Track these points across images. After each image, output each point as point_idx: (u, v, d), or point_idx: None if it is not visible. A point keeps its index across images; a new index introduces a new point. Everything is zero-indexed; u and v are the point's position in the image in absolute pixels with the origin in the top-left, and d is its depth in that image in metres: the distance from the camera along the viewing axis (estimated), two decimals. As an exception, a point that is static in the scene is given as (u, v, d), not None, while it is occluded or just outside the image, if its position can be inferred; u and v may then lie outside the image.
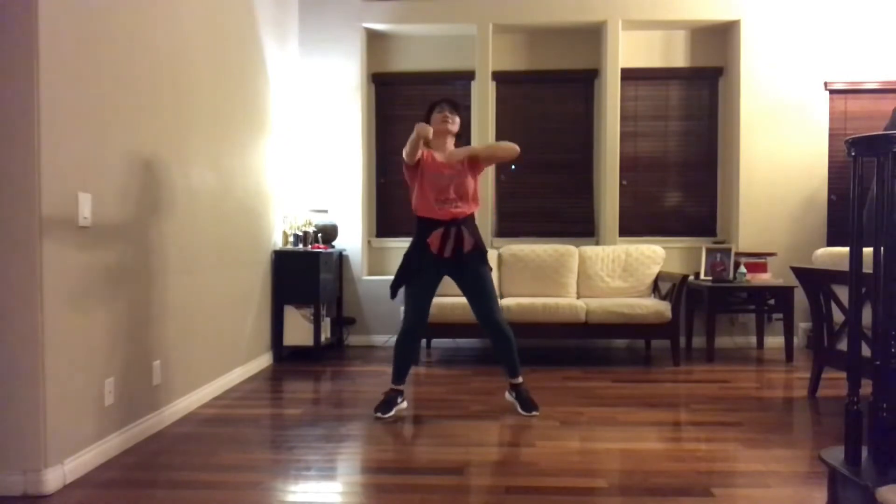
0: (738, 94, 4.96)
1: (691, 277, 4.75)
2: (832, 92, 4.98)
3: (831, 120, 4.99)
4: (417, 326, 3.16)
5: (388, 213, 5.35)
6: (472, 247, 3.14)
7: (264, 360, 4.34)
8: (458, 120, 3.23)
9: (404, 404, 3.23)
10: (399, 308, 5.07)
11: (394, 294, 3.21)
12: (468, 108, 5.23)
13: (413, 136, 3.01)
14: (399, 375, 3.19)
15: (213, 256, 3.54)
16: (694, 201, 5.26)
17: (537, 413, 3.13)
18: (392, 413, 3.12)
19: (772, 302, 4.55)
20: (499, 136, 5.21)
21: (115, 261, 2.59)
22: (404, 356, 3.19)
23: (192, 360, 3.28)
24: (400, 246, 5.25)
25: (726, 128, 5.17)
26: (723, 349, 4.86)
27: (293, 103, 4.97)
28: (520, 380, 3.22)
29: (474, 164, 3.17)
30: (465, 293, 3.20)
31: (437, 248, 3.10)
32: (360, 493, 2.20)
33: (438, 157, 3.18)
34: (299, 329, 4.48)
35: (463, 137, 3.35)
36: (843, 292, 3.12)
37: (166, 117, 3.00)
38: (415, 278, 3.15)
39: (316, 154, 4.94)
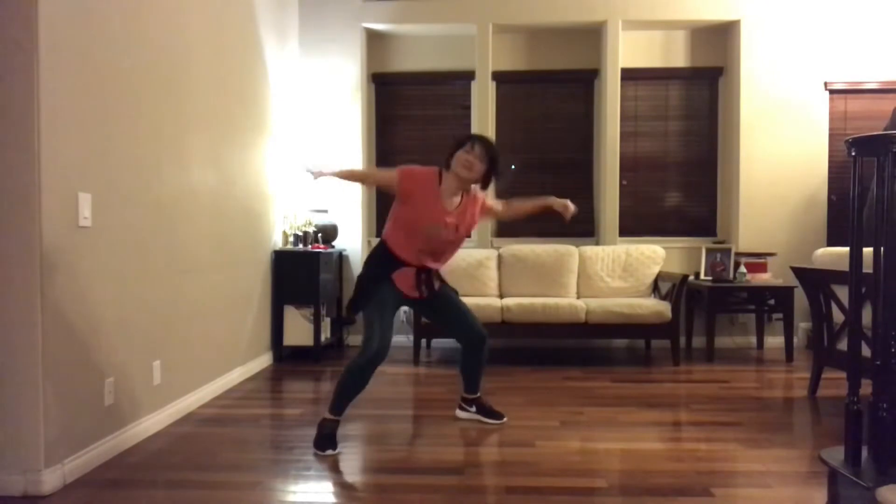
0: (738, 94, 4.96)
1: (691, 277, 4.74)
2: (832, 92, 4.98)
3: (831, 120, 4.99)
4: (385, 352, 2.65)
5: (387, 213, 5.33)
6: (441, 285, 2.93)
7: (264, 360, 4.34)
8: (483, 169, 2.76)
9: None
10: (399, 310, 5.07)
11: (355, 313, 2.82)
12: (467, 107, 5.24)
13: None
14: (343, 406, 2.68)
15: (213, 256, 3.54)
16: (694, 201, 5.25)
17: (505, 419, 3.03)
18: (337, 450, 2.61)
19: (772, 302, 4.55)
20: (499, 136, 5.20)
21: (115, 261, 2.59)
22: (362, 384, 2.67)
23: (192, 360, 3.28)
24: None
25: (726, 128, 5.17)
26: (723, 349, 4.86)
27: (293, 103, 4.97)
28: (479, 393, 3.10)
29: (486, 211, 2.97)
30: (440, 318, 2.98)
31: (407, 289, 2.80)
32: (360, 493, 2.20)
33: (445, 202, 2.77)
34: (299, 329, 4.48)
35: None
36: (843, 292, 3.12)
37: (166, 117, 3.00)
38: (378, 302, 2.73)
39: (316, 154, 4.94)
